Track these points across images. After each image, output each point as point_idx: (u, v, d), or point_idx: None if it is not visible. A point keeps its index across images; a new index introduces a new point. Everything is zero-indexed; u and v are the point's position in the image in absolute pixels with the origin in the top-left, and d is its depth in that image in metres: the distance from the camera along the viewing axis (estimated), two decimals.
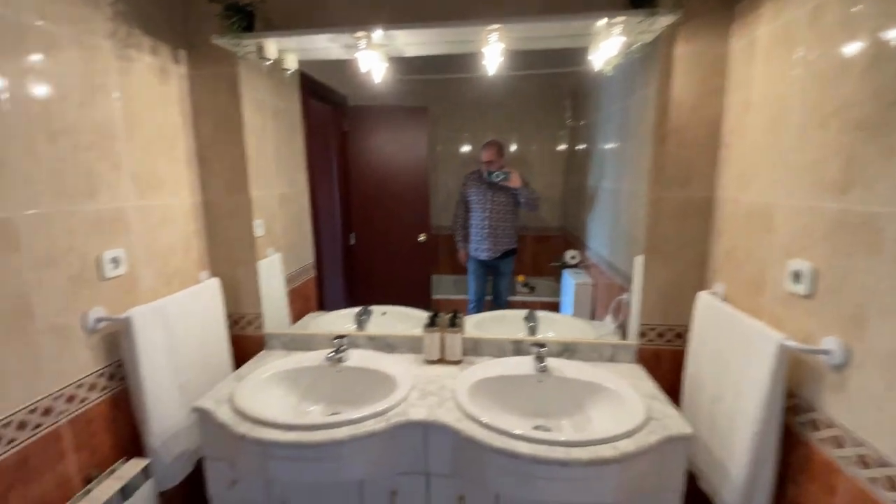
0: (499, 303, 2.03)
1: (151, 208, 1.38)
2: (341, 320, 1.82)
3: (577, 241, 2.10)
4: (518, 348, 1.51)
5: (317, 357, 1.49)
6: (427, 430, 1.18)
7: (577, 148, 2.11)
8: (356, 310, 1.82)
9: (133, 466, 1.21)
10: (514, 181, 1.86)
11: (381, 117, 2.16)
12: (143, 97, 1.35)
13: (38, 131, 1.06)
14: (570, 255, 2.12)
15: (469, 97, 2.16)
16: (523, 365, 1.39)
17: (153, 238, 1.39)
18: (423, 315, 1.80)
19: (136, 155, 1.32)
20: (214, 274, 1.64)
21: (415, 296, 2.13)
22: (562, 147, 2.15)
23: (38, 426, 1.05)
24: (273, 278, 1.73)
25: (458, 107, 2.21)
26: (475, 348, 1.53)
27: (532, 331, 1.61)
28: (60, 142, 1.11)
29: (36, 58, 1.05)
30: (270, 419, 1.15)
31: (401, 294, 2.07)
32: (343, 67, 1.61)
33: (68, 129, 1.13)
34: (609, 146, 1.85)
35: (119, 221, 1.27)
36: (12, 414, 1.00)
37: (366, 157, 2.16)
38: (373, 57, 1.36)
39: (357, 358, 1.48)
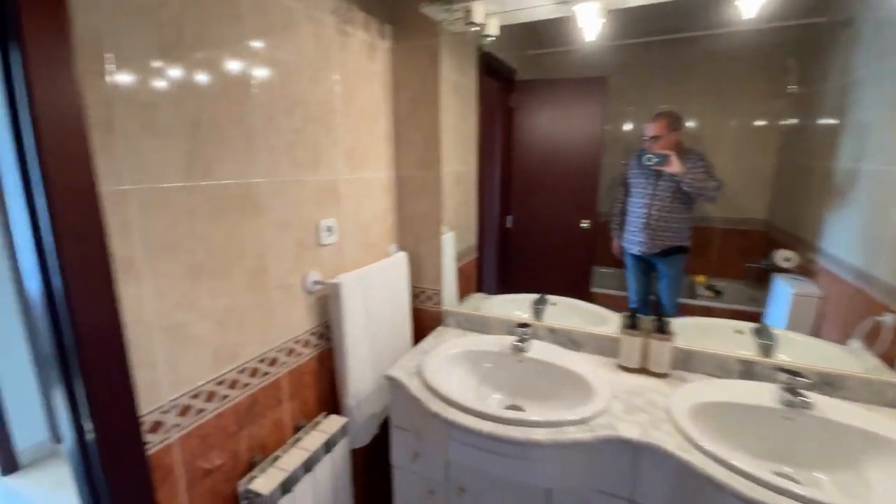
0: (663, 308, 1.67)
1: (357, 182, 1.44)
2: (511, 306, 1.72)
3: (791, 239, 1.63)
4: (749, 370, 1.21)
5: (497, 342, 1.41)
6: (638, 452, 1.00)
7: (800, 121, 1.62)
8: (531, 297, 1.70)
9: (334, 422, 1.30)
10: (673, 166, 1.48)
11: (552, 91, 1.97)
12: (356, 73, 1.40)
13: (278, 105, 1.14)
14: (784, 257, 1.66)
15: (653, 65, 1.82)
16: (761, 393, 1.10)
17: (357, 210, 1.45)
18: (595, 310, 1.61)
19: (348, 130, 1.38)
20: (401, 248, 1.68)
21: (572, 286, 1.92)
22: (770, 121, 1.68)
23: (265, 374, 1.17)
24: (447, 256, 1.71)
25: (638, 77, 1.89)
26: (686, 361, 1.28)
27: (766, 350, 1.28)
28: (295, 115, 1.19)
29: (278, 33, 1.12)
30: (463, 403, 1.10)
31: (556, 283, 1.89)
32: (516, 37, 1.47)
33: (300, 103, 1.20)
34: (872, 116, 1.35)
35: (333, 193, 1.34)
36: (247, 362, 1.12)
37: (531, 134, 2.00)
38: (592, 10, 1.18)
39: (540, 350, 1.36)
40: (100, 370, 0.81)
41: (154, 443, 0.91)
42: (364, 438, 1.43)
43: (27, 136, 0.72)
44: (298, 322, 1.27)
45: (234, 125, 1.03)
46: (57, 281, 0.76)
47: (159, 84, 0.87)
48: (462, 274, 1.84)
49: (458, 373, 1.36)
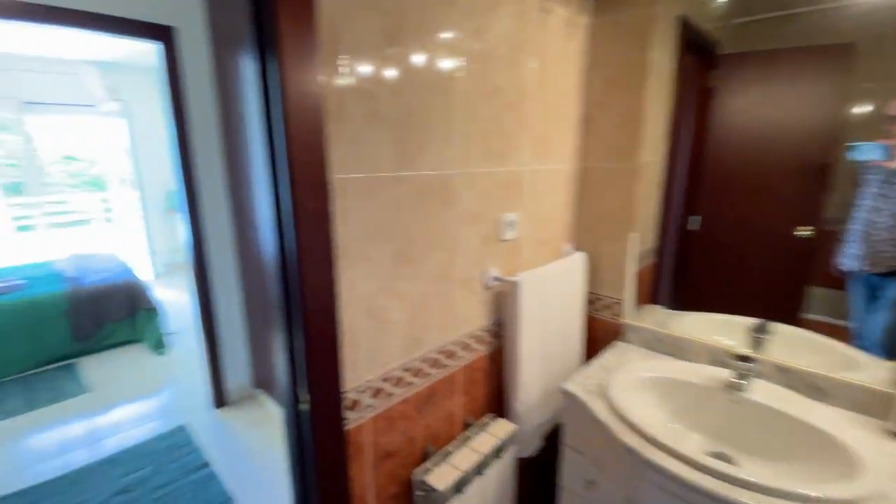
0: (870, 344, 1.19)
1: (541, 174, 1.34)
2: (708, 327, 1.43)
3: None
4: None
5: (701, 373, 1.18)
6: None
7: None
8: (746, 321, 1.38)
9: (503, 427, 1.23)
10: None
11: (769, 66, 1.55)
12: (552, 54, 1.28)
13: (478, 92, 1.09)
14: None
15: None
16: None
17: (538, 205, 1.35)
18: (837, 348, 1.24)
19: (539, 117, 1.28)
20: (576, 248, 1.53)
21: (774, 308, 1.51)
22: None
23: (444, 366, 1.16)
24: (629, 262, 1.50)
25: (889, 42, 1.36)
26: None
27: None
28: (491, 103, 1.13)
29: (484, 16, 1.06)
30: (671, 445, 0.92)
31: (753, 302, 1.50)
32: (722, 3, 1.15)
33: (497, 89, 1.14)
34: None
35: (517, 186, 1.26)
36: (429, 352, 1.11)
37: (734, 119, 1.61)
38: None
39: (765, 393, 1.08)
40: (320, 345, 0.86)
41: (351, 419, 0.95)
42: (530, 449, 1.34)
43: (277, 131, 0.78)
44: (475, 317, 1.23)
45: (439, 114, 1.00)
46: (292, 259, 0.82)
47: (381, 73, 0.88)
48: (637, 281, 1.62)
49: (647, 401, 1.17)
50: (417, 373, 1.08)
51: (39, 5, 1.66)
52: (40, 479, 1.95)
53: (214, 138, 2.30)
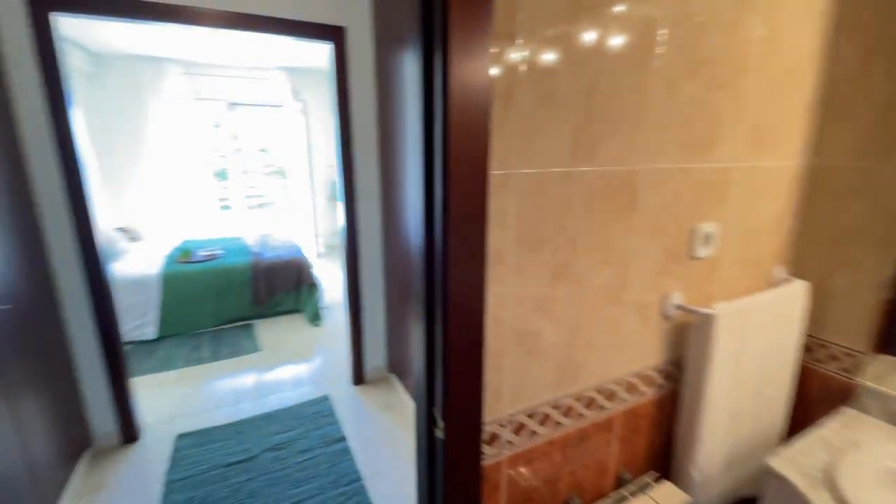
0: None
1: (755, 172, 1.01)
2: None
3: None
4: None
5: None
6: None
7: None
8: None
9: (670, 494, 0.97)
10: None
11: None
12: (786, 11, 0.95)
13: (681, 65, 0.84)
14: None
15: None
16: None
17: (745, 213, 1.03)
18: None
19: (760, 97, 0.96)
20: (795, 274, 1.15)
21: None
22: None
23: (601, 408, 0.95)
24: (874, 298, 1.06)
25: None
26: None
27: None
28: (698, 79, 0.86)
29: None
30: None
31: None
32: None
33: (707, 62, 0.87)
34: None
35: (720, 187, 0.97)
36: (585, 389, 0.91)
37: None
38: None
39: None
40: (462, 367, 0.74)
41: (488, 455, 0.82)
42: None
43: (436, 126, 0.67)
44: (646, 353, 0.98)
45: (628, 94, 0.79)
46: (438, 264, 0.71)
47: (560, 47, 0.71)
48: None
49: (887, 498, 0.79)
50: (568, 412, 0.90)
51: (237, 13, 1.89)
52: (214, 423, 2.30)
53: (373, 135, 2.40)
